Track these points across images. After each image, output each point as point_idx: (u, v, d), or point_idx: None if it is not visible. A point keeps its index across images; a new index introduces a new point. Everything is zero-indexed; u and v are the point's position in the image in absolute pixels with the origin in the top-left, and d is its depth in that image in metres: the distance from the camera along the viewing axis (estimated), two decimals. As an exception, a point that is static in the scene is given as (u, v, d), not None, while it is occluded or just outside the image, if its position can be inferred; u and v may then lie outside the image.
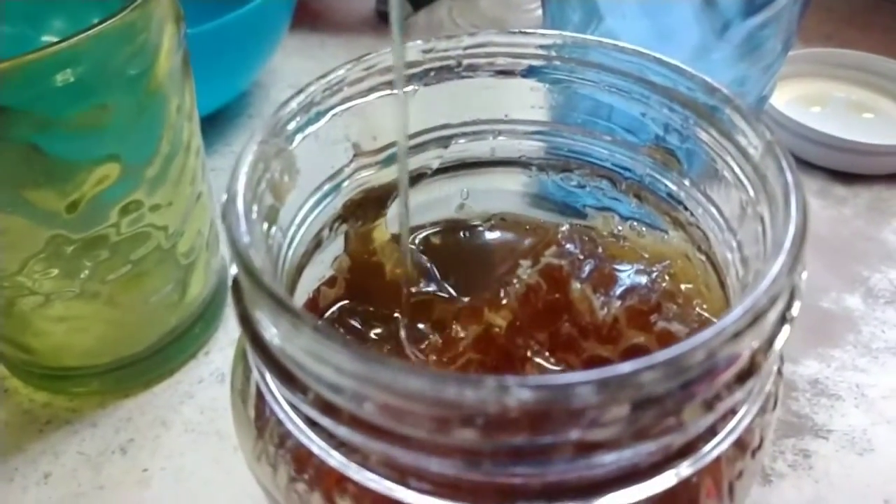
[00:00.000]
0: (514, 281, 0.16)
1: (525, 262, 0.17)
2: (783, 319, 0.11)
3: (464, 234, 0.17)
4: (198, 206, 0.28)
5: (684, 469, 0.11)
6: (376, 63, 0.16)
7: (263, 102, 0.44)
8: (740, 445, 0.12)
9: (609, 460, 0.10)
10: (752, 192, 0.14)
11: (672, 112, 0.15)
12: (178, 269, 0.28)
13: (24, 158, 0.23)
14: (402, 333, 0.16)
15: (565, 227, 0.18)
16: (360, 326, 0.17)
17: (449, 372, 0.10)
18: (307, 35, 0.50)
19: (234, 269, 0.12)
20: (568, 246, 0.18)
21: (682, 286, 0.17)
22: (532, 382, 0.10)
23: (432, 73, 0.16)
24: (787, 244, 0.11)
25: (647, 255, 0.19)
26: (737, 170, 0.14)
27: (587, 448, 0.10)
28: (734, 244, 0.15)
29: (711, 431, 0.12)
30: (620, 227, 0.20)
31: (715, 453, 0.11)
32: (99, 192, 0.24)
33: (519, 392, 0.10)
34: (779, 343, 0.11)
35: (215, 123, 0.41)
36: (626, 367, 0.10)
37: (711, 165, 0.15)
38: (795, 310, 0.11)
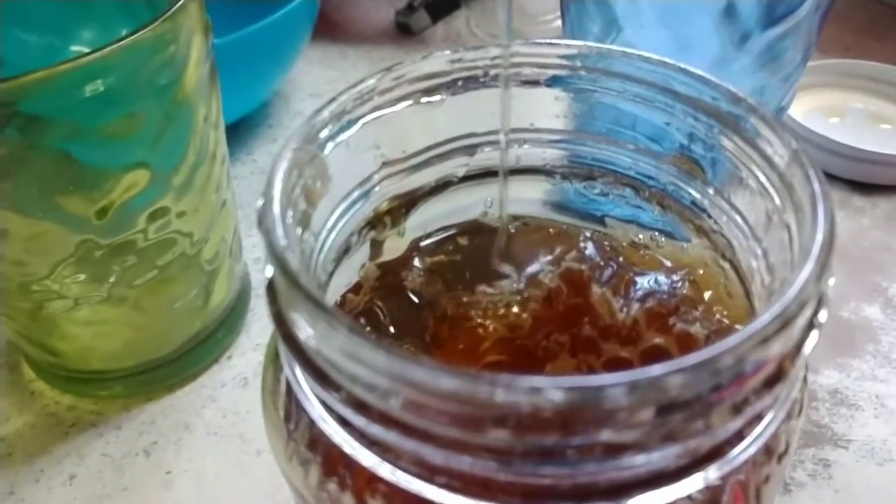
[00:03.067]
0: (536, 284, 0.17)
1: (547, 266, 0.17)
2: (811, 326, 0.11)
3: (486, 237, 0.18)
4: (222, 214, 0.29)
5: (712, 472, 0.11)
6: (405, 73, 0.16)
7: (284, 112, 0.45)
8: (767, 451, 0.13)
9: (638, 462, 0.11)
10: (778, 201, 0.14)
11: (696, 121, 0.16)
12: (203, 275, 0.29)
13: (56, 166, 0.23)
14: (427, 336, 0.16)
15: (586, 234, 0.19)
16: (380, 333, 0.17)
17: (482, 372, 0.10)
18: (328, 45, 0.51)
19: (269, 272, 0.13)
20: (588, 251, 0.18)
21: (703, 293, 0.18)
22: (564, 384, 0.10)
23: (459, 83, 0.17)
24: (816, 251, 0.11)
25: (667, 264, 0.19)
26: (762, 178, 0.14)
27: (617, 449, 0.10)
28: (759, 252, 0.15)
29: (739, 436, 0.12)
30: (641, 237, 0.20)
31: (743, 457, 0.12)
32: (128, 199, 0.25)
33: (551, 393, 0.10)
34: (807, 349, 0.11)
35: (237, 133, 0.42)
36: (656, 369, 0.10)
37: (736, 174, 0.15)
38: (823, 316, 0.12)
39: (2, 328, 0.30)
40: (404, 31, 0.52)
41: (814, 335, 0.11)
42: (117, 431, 0.28)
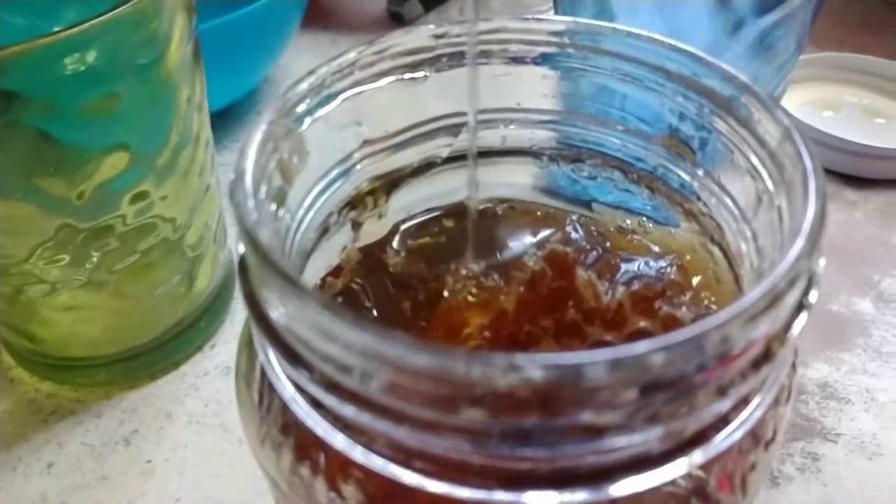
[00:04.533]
0: (520, 267, 0.16)
1: (531, 249, 0.17)
2: (801, 306, 0.11)
3: (470, 220, 0.17)
4: (206, 199, 0.28)
5: (696, 457, 0.11)
6: (388, 47, 0.16)
7: (273, 99, 0.44)
8: (754, 437, 0.12)
9: (620, 445, 0.10)
10: (768, 181, 0.13)
11: (687, 100, 0.15)
12: (186, 262, 0.28)
13: (35, 145, 0.23)
14: (409, 320, 0.16)
15: (573, 217, 0.18)
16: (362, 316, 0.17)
17: (459, 348, 0.09)
18: (319, 33, 0.50)
19: (241, 249, 0.12)
20: (574, 234, 0.18)
21: (691, 278, 0.17)
22: (543, 361, 0.09)
23: (444, 60, 0.16)
24: (807, 227, 0.11)
25: (654, 249, 0.18)
26: (753, 158, 0.14)
27: (598, 431, 0.10)
28: (749, 234, 0.14)
29: (724, 420, 0.11)
30: (628, 222, 0.19)
31: (728, 442, 0.11)
32: (108, 181, 0.24)
33: (530, 371, 0.09)
34: (796, 329, 0.11)
35: (225, 119, 0.41)
36: (640, 346, 0.10)
37: (727, 155, 0.15)
38: (813, 297, 0.11)
39: (-20, 314, 0.29)
40: (396, 20, 0.52)
41: (803, 316, 0.11)
42: (97, 419, 0.28)
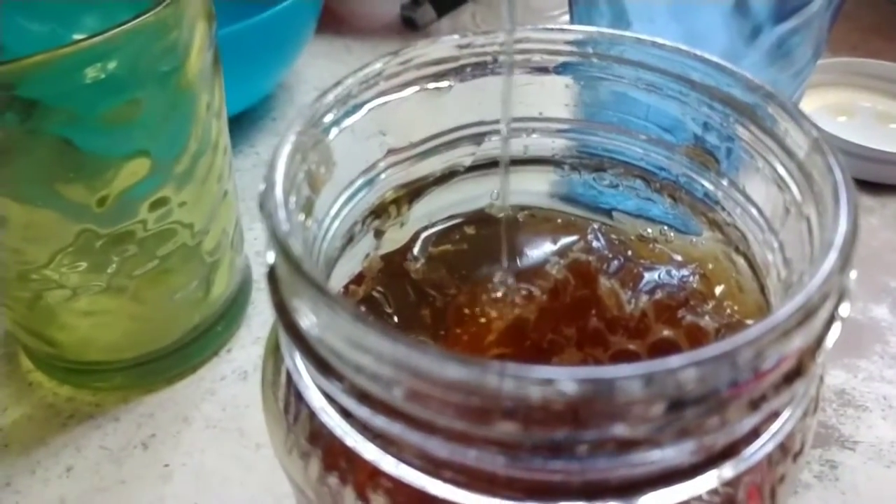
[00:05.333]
0: (543, 275, 0.16)
1: (553, 257, 0.17)
2: (832, 319, 0.11)
3: (493, 228, 0.17)
4: (224, 205, 0.29)
5: (727, 471, 0.11)
6: (413, 58, 0.16)
7: (288, 105, 0.45)
8: (783, 449, 0.12)
9: (651, 458, 0.10)
10: (796, 192, 0.13)
11: (711, 110, 0.15)
12: (203, 267, 0.28)
13: (57, 153, 0.23)
14: (430, 327, 0.16)
15: (595, 226, 0.18)
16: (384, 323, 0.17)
17: (492, 360, 0.09)
18: (333, 39, 0.51)
19: (270, 258, 0.12)
20: (595, 243, 0.18)
21: (713, 287, 0.17)
22: (577, 375, 0.09)
23: (468, 69, 0.16)
24: (839, 241, 0.11)
25: (676, 258, 0.18)
26: (780, 169, 0.14)
27: (630, 445, 0.10)
28: (776, 245, 0.14)
29: (755, 433, 0.11)
30: (649, 230, 0.19)
31: (758, 456, 0.11)
32: (128, 188, 0.24)
33: (563, 384, 0.09)
34: (829, 343, 0.11)
35: (240, 125, 0.42)
36: (673, 361, 0.10)
37: (752, 165, 0.15)
38: (845, 310, 0.11)
39: (0, 318, 0.30)
40: (409, 26, 0.52)
41: (836, 329, 0.11)
42: (115, 423, 0.28)
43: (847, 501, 0.26)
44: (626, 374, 0.09)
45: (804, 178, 0.13)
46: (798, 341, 0.10)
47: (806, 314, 0.10)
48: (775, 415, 0.12)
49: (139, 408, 0.28)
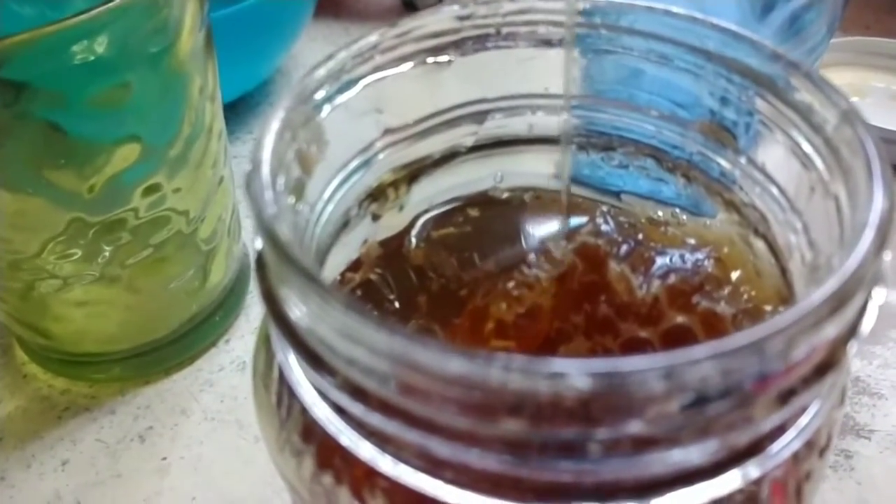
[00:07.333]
0: (549, 260, 0.15)
1: (560, 241, 0.16)
2: (866, 305, 0.10)
3: (496, 210, 0.16)
4: (219, 191, 0.28)
5: (752, 470, 0.10)
6: (410, 30, 0.15)
7: (286, 90, 0.44)
8: (808, 444, 0.11)
9: (670, 458, 0.09)
10: (823, 168, 0.12)
11: (729, 83, 0.14)
12: (199, 255, 0.28)
13: (44, 137, 0.22)
14: (431, 315, 0.15)
15: (603, 208, 0.17)
16: (382, 312, 0.16)
17: (498, 354, 0.09)
18: (331, 23, 0.50)
19: (258, 244, 0.12)
20: (604, 226, 0.17)
21: (729, 272, 0.16)
22: (590, 368, 0.09)
23: (470, 43, 0.15)
24: (875, 220, 0.10)
25: (689, 241, 0.17)
26: (804, 144, 0.13)
27: (647, 443, 0.09)
28: (799, 226, 0.13)
29: (781, 429, 0.10)
30: (660, 213, 0.18)
31: (786, 453, 0.10)
32: (119, 173, 0.23)
33: (576, 378, 0.09)
34: (864, 331, 0.10)
35: (237, 111, 0.41)
36: (696, 352, 0.09)
37: (773, 140, 0.14)
38: (880, 296, 0.10)
39: (-7, 309, 0.29)
40: (410, 9, 0.51)
41: (871, 316, 0.10)
42: (111, 416, 0.27)
43: (863, 492, 0.25)
44: (644, 368, 0.09)
45: (831, 154, 0.12)
46: (831, 330, 0.09)
47: (840, 300, 0.09)
48: (802, 409, 0.11)
49: (136, 400, 0.28)
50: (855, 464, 0.26)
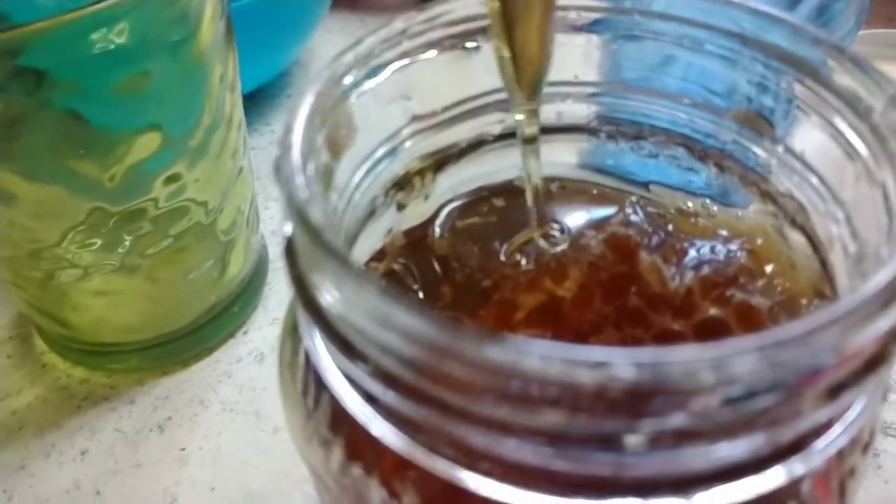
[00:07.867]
0: (579, 250, 0.15)
1: (589, 231, 0.16)
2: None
3: (523, 200, 0.16)
4: (238, 182, 0.28)
5: (796, 465, 0.10)
6: (438, 14, 0.14)
7: (303, 82, 0.44)
8: (853, 441, 0.11)
9: (715, 452, 0.09)
10: (867, 156, 0.12)
11: (766, 69, 0.14)
12: (218, 246, 0.27)
13: (65, 126, 0.22)
14: (458, 306, 0.15)
15: (633, 198, 0.17)
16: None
17: (538, 341, 0.08)
18: (348, 15, 0.50)
19: (287, 229, 0.11)
20: (634, 216, 0.17)
21: (763, 264, 0.16)
22: (635, 358, 0.08)
23: (498, 27, 0.15)
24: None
25: (722, 232, 0.17)
26: (847, 132, 0.12)
27: (692, 436, 0.09)
28: (840, 216, 0.13)
29: (826, 424, 0.10)
30: (690, 204, 0.18)
31: (831, 449, 0.10)
32: (139, 163, 0.23)
33: (620, 369, 0.08)
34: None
35: (255, 102, 0.41)
36: (746, 343, 0.08)
37: (812, 128, 0.13)
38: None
39: (13, 299, 0.29)
40: (425, 0, 0.50)
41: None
42: (130, 406, 0.27)
43: (890, 490, 0.25)
44: (692, 358, 0.08)
45: (877, 141, 0.12)
46: (884, 323, 0.09)
47: (892, 292, 0.09)
48: (849, 404, 0.10)
49: (155, 390, 0.28)
50: (882, 462, 0.25)
